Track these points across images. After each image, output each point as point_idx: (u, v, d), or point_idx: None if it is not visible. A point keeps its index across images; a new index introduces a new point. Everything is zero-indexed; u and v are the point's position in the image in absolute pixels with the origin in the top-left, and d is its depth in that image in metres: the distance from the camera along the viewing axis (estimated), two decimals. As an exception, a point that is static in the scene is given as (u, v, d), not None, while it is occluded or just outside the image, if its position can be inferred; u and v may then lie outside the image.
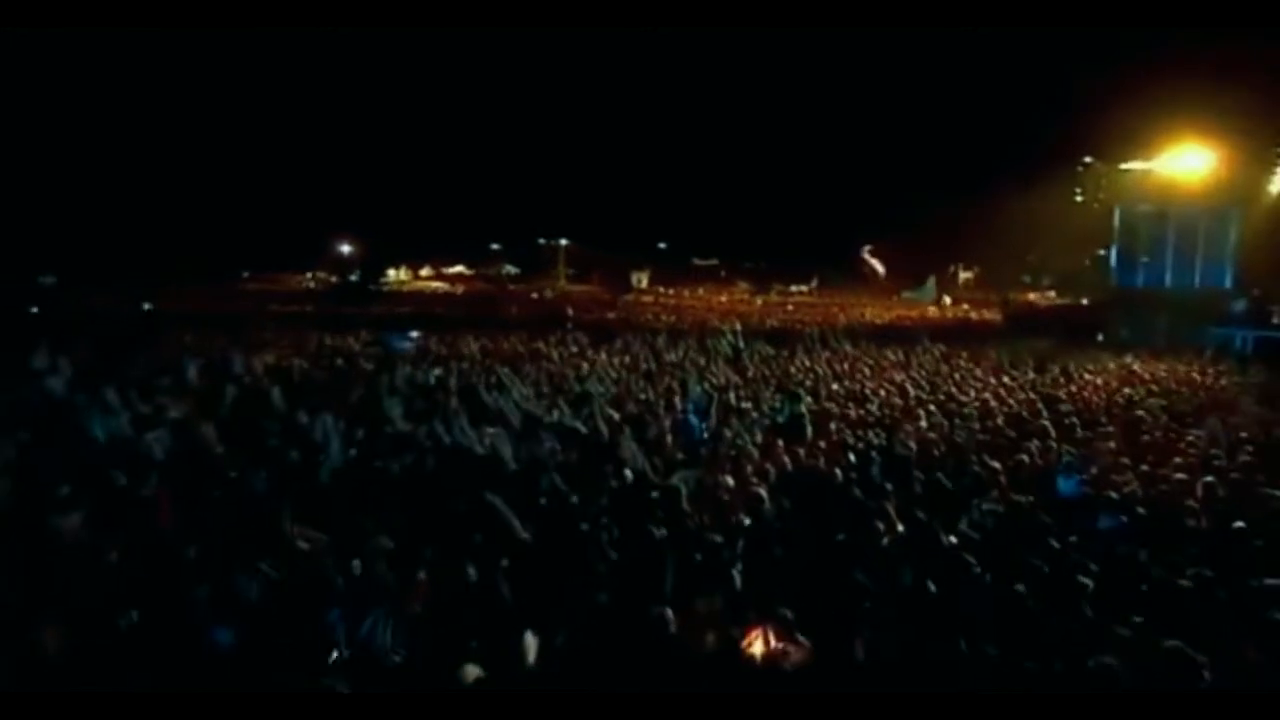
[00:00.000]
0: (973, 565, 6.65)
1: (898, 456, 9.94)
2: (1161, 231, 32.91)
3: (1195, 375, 19.99)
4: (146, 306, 36.43)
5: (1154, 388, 17.38)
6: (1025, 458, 10.60)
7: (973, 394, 15.56)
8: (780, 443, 10.24)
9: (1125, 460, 10.49)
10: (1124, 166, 33.49)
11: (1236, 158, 30.89)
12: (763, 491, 8.17)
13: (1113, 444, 11.77)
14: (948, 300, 61.95)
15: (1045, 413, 13.86)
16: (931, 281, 59.25)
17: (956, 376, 17.85)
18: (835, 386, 15.77)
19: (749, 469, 9.13)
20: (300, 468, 8.76)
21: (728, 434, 10.60)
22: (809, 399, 13.52)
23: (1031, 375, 18.19)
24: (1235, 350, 26.72)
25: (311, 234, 73.16)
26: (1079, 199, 35.55)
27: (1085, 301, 36.15)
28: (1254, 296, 29.26)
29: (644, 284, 75.67)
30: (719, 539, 6.68)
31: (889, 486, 8.90)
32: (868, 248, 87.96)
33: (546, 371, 16.64)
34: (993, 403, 14.50)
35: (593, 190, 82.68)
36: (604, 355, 19.43)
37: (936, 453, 10.48)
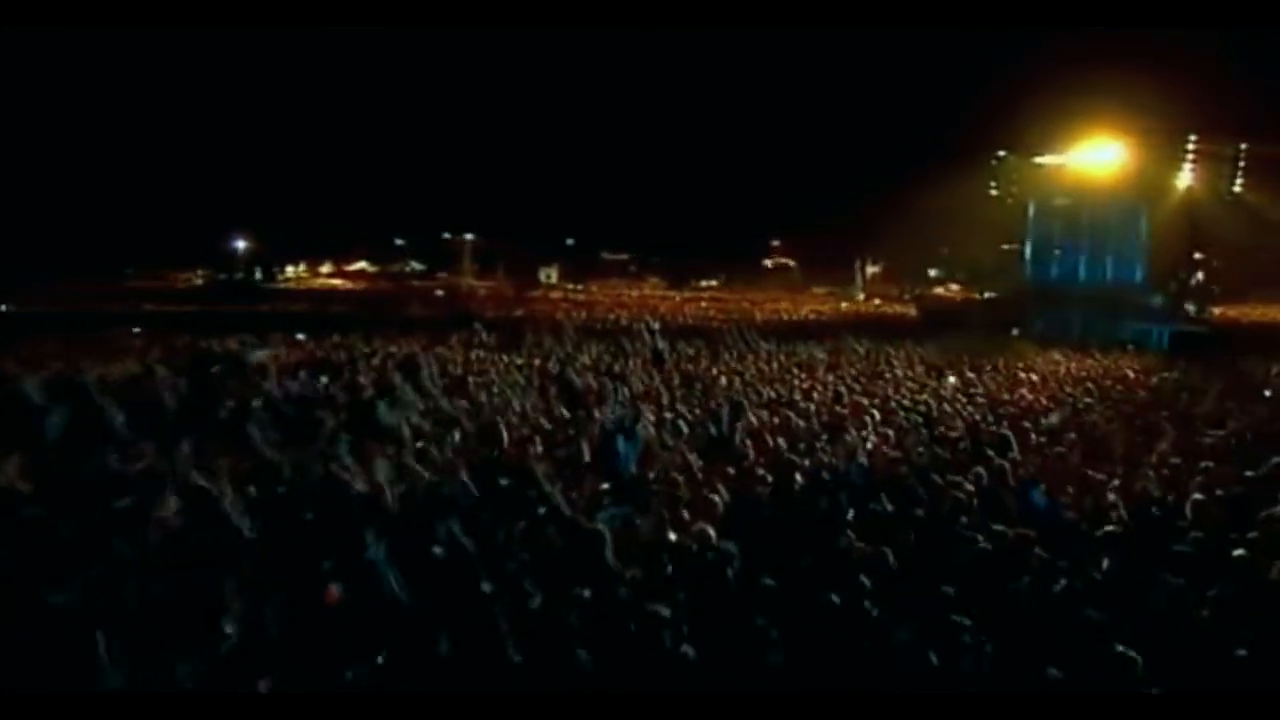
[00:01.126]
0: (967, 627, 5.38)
1: (855, 479, 8.63)
2: (1075, 225, 32.85)
3: (1128, 372, 19.47)
4: (2, 309, 33.09)
5: (1091, 386, 16.66)
6: (985, 473, 9.45)
7: (908, 398, 14.46)
8: (729, 469, 8.83)
9: (1098, 475, 9.45)
10: (1038, 160, 33.32)
11: (1146, 153, 30.96)
12: (709, 531, 6.74)
13: (1074, 454, 10.79)
14: (861, 295, 62.00)
15: (992, 419, 12.86)
16: (859, 278, 59.08)
17: (891, 376, 16.80)
18: (767, 391, 14.50)
19: (689, 502, 7.71)
20: (130, 514, 6.98)
21: (659, 455, 9.17)
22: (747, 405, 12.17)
23: (969, 374, 17.25)
24: (1152, 344, 26.65)
25: (205, 228, 68.96)
26: (993, 192, 35.32)
27: (998, 296, 35.97)
28: (1170, 292, 29.38)
29: (553, 279, 73.76)
30: (664, 610, 5.21)
31: (850, 514, 7.65)
32: (776, 244, 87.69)
33: (450, 379, 14.99)
34: (936, 408, 13.43)
35: (499, 184, 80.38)
36: (512, 358, 17.83)
37: (899, 471, 9.23)
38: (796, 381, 15.56)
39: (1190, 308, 30.41)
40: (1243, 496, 8.91)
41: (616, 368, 16.53)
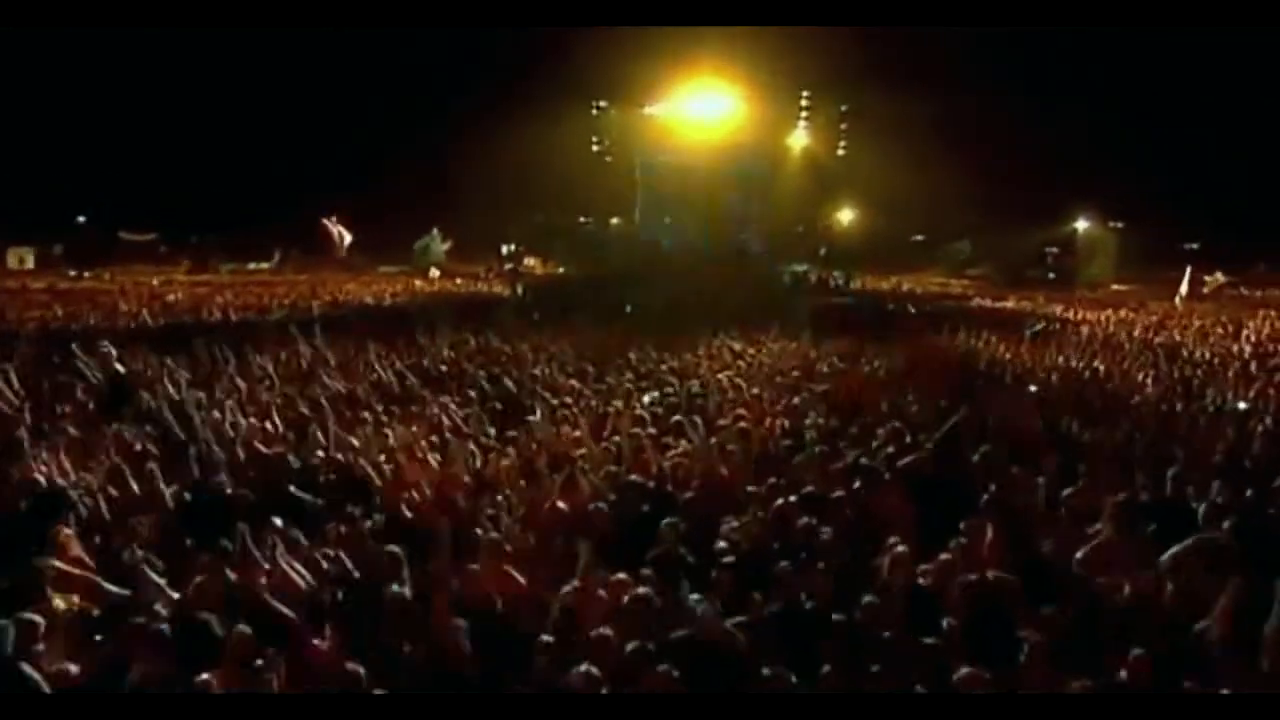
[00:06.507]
0: None
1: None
2: (687, 186, 28.74)
3: (811, 353, 14.96)
4: None
5: (814, 387, 11.51)
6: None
7: (589, 453, 8.01)
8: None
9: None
10: (645, 110, 28.61)
11: (761, 107, 27.55)
12: None
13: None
14: (436, 272, 55.02)
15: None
16: (433, 241, 50.46)
17: (538, 395, 10.21)
18: (321, 459, 7.26)
19: None
20: None
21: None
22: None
23: (656, 390, 11.13)
24: (796, 320, 23.12)
25: None
26: (594, 148, 30.21)
27: (607, 270, 31.05)
28: (822, 257, 26.42)
29: (28, 265, 57.42)
30: None
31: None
32: (332, 217, 77.24)
33: None
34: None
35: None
36: None
37: None
38: (381, 432, 8.38)
39: (836, 277, 27.91)
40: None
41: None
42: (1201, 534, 6.13)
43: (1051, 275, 54.58)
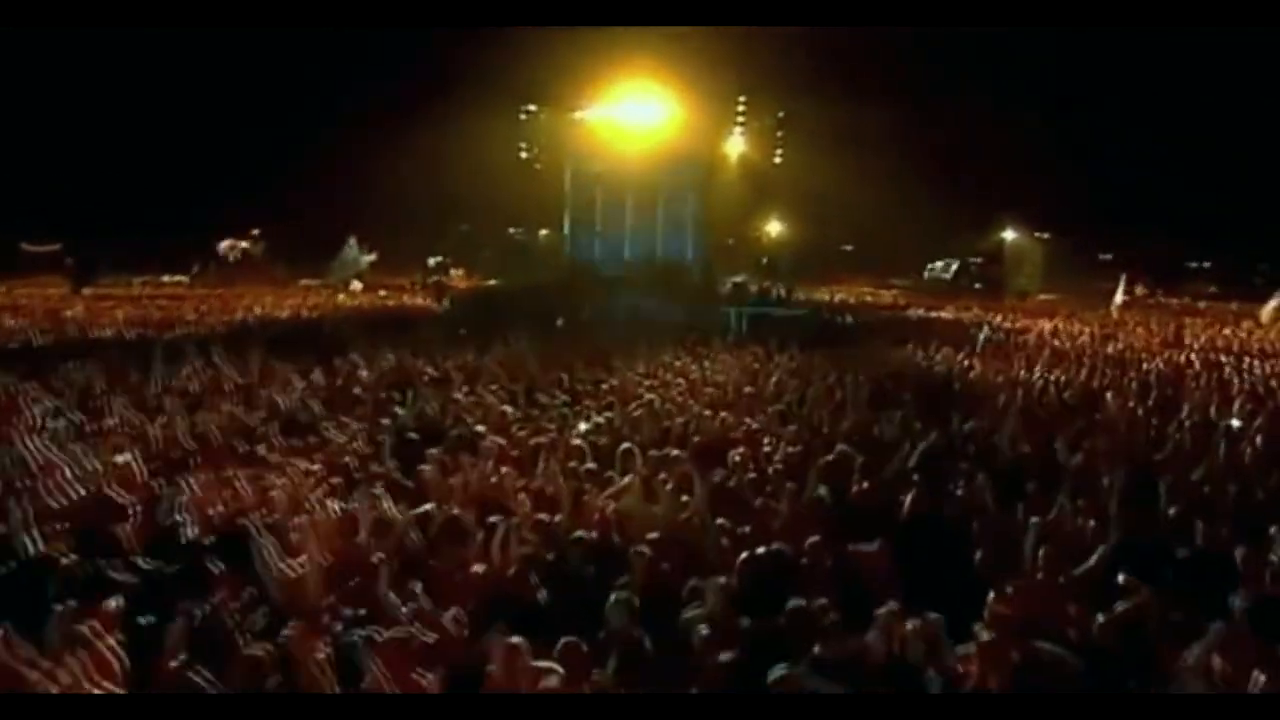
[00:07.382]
0: None
1: None
2: (618, 195, 27.59)
3: (760, 369, 13.87)
4: None
5: (769, 408, 10.41)
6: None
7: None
8: None
9: None
10: (576, 115, 27.42)
11: (696, 112, 26.58)
12: None
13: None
14: (358, 285, 53.03)
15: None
16: (354, 252, 48.13)
17: (462, 430, 8.96)
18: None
19: None
20: None
21: None
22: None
23: (600, 415, 9.91)
24: (733, 329, 22.22)
25: None
26: (523, 155, 28.94)
27: (536, 282, 29.79)
28: (765, 266, 25.53)
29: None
30: None
31: None
32: (253, 232, 74.26)
33: None
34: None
35: None
36: None
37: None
38: (269, 474, 7.02)
39: (779, 288, 27.02)
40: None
41: None
42: (1246, 593, 5.23)
43: (978, 285, 54.99)
